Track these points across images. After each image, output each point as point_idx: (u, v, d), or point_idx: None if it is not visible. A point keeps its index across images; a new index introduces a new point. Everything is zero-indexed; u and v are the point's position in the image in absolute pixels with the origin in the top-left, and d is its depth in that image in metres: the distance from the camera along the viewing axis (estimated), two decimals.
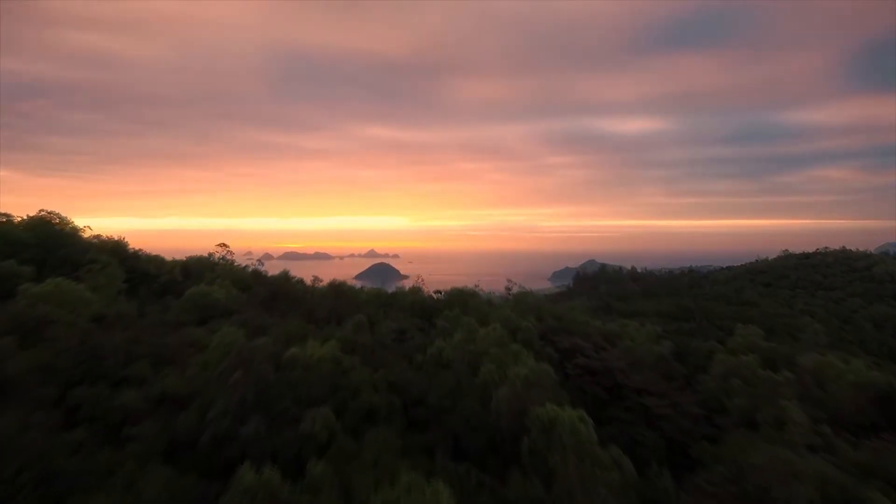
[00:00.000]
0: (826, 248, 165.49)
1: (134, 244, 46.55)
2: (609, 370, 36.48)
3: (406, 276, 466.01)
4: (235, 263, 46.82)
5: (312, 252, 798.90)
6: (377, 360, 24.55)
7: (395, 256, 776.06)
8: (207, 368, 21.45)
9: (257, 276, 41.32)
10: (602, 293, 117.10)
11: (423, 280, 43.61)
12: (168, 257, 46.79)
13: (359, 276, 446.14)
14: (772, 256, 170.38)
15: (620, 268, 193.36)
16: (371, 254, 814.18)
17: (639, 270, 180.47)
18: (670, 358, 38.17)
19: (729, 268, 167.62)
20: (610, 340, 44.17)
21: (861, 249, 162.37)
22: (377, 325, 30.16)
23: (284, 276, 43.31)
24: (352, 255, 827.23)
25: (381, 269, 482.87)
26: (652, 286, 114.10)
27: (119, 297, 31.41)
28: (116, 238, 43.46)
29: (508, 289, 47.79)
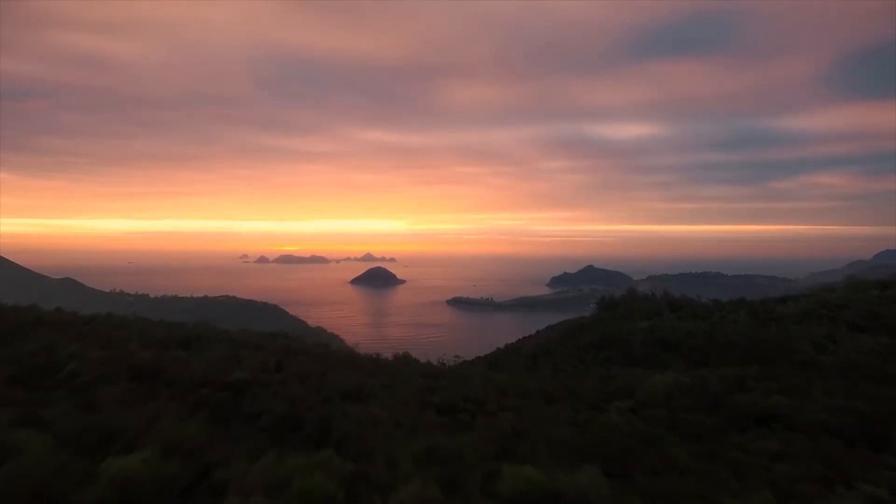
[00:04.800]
0: None
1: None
2: None
3: (403, 281, 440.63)
4: None
5: (309, 255, 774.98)
6: None
7: (392, 260, 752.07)
8: None
9: None
10: (663, 335, 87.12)
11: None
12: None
13: (355, 280, 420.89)
14: (823, 279, 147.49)
15: (653, 293, 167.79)
16: (367, 257, 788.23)
17: (677, 296, 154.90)
18: None
19: (791, 298, 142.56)
20: None
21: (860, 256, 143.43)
22: None
23: None
24: (348, 259, 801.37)
25: (378, 273, 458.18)
26: (731, 337, 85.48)
27: None
28: None
29: None
